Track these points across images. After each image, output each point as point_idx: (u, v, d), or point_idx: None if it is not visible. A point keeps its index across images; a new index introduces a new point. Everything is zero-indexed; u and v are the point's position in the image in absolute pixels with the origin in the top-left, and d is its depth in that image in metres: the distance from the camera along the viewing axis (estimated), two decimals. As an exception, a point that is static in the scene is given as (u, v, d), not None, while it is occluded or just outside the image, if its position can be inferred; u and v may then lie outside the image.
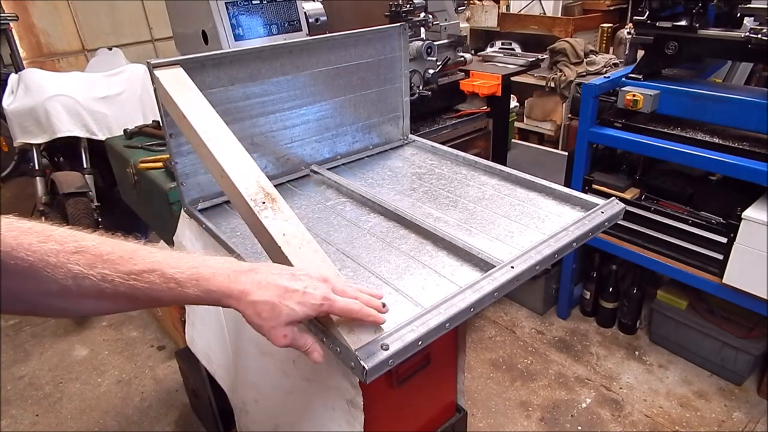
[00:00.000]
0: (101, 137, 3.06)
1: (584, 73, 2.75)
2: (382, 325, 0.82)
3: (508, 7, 4.85)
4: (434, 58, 2.14)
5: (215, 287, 0.71)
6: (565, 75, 2.79)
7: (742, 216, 1.84)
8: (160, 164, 1.67)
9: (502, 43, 4.49)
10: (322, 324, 0.83)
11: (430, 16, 2.25)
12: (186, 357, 1.97)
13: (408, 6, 2.14)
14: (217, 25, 1.85)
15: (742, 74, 2.76)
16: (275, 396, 1.22)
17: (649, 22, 2.02)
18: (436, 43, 2.17)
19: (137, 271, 0.67)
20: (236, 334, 1.30)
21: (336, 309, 0.75)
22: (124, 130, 2.02)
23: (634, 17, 2.09)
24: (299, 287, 0.73)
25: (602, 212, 1.17)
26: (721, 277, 1.96)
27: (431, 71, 2.14)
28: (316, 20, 2.17)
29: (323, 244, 1.19)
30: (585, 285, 2.64)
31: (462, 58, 2.43)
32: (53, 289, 0.63)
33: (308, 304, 0.73)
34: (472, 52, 2.62)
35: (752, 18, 1.89)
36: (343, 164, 1.60)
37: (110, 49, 4.04)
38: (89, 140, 3.16)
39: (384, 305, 0.81)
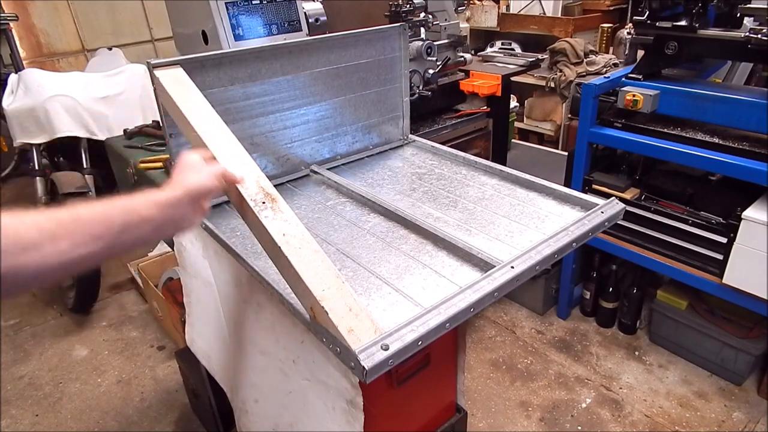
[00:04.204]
0: (101, 137, 3.06)
1: (584, 73, 2.75)
2: (382, 326, 0.82)
3: (508, 7, 4.85)
4: (434, 58, 2.14)
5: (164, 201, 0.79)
6: (565, 75, 2.79)
7: (742, 216, 1.84)
8: (160, 164, 1.67)
9: (502, 43, 4.49)
10: (321, 325, 0.83)
11: (430, 16, 2.25)
12: (186, 357, 1.97)
13: (408, 6, 2.14)
14: (217, 25, 1.85)
15: (742, 74, 2.77)
16: (275, 396, 1.21)
17: (649, 22, 2.02)
18: (436, 43, 2.17)
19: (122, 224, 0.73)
20: (236, 335, 1.30)
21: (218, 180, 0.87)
22: (124, 130, 2.02)
23: (634, 17, 2.09)
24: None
25: (602, 212, 1.18)
26: (721, 277, 1.96)
27: (431, 71, 2.14)
28: (316, 20, 2.18)
29: (323, 244, 1.19)
30: (585, 285, 2.64)
31: (462, 58, 2.43)
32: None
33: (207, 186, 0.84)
34: (472, 52, 2.62)
35: (752, 18, 1.89)
36: (343, 164, 1.60)
37: (110, 49, 4.04)
38: (89, 140, 3.16)
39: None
